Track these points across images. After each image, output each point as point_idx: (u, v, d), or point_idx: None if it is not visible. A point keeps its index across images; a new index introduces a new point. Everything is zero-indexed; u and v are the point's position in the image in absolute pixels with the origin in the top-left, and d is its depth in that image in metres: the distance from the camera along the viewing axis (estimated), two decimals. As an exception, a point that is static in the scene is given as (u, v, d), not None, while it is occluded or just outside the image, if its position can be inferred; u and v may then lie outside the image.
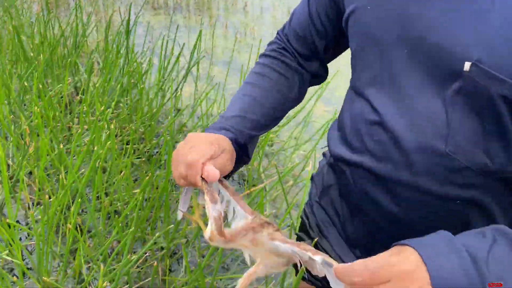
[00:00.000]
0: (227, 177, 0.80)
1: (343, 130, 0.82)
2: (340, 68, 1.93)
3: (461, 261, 0.52)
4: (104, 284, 1.20)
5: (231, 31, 4.11)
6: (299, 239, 1.01)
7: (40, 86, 1.83)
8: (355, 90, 0.80)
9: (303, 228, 1.00)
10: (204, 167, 0.70)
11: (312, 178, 1.02)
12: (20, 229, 1.67)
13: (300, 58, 0.93)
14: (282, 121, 2.37)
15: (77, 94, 2.65)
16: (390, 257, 0.54)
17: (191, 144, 0.74)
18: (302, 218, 1.01)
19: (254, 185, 1.98)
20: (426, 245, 0.54)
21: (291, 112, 2.68)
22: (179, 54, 2.44)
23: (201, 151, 0.71)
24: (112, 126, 1.59)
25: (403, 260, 0.53)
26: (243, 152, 0.84)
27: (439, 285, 0.51)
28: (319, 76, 0.98)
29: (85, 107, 2.04)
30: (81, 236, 1.40)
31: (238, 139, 0.82)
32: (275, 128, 2.38)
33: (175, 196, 1.88)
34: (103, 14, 4.17)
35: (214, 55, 3.52)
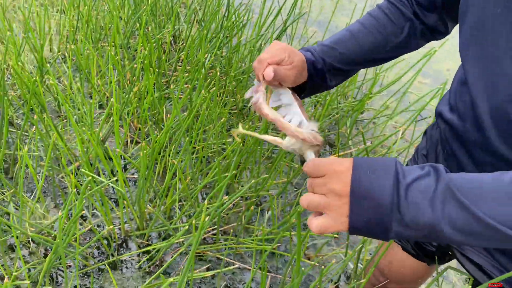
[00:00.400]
0: (300, 96, 0.92)
1: (450, 90, 0.90)
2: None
3: (385, 177, 0.59)
4: (195, 221, 1.27)
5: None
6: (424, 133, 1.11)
7: (147, 31, 1.92)
8: (459, 51, 0.82)
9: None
10: (267, 66, 0.82)
11: (425, 132, 1.07)
12: (124, 159, 1.80)
13: (418, 7, 0.94)
14: (375, 88, 2.28)
15: (175, 42, 2.74)
16: (334, 159, 0.65)
17: (271, 47, 0.87)
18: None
19: (342, 151, 1.95)
20: (365, 160, 0.63)
21: (385, 80, 2.57)
22: (278, 12, 2.41)
23: (271, 53, 0.84)
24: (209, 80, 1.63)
25: (339, 163, 0.64)
26: (319, 77, 0.93)
27: (356, 188, 0.60)
28: (437, 32, 0.98)
29: (182, 56, 2.11)
30: (176, 176, 1.48)
31: (316, 64, 0.91)
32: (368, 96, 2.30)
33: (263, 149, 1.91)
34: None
35: (311, 15, 3.43)
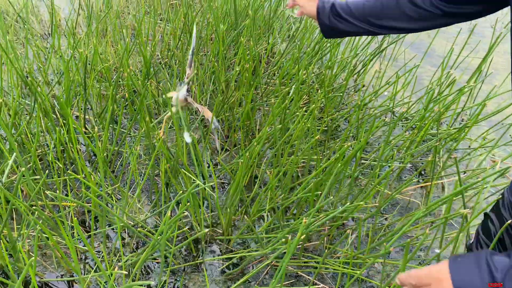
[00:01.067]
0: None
1: None
2: None
3: (480, 273, 0.68)
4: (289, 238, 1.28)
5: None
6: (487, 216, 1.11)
7: (249, 42, 1.99)
8: None
9: (496, 206, 1.05)
10: None
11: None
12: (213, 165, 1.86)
13: None
14: (472, 118, 2.15)
15: (269, 55, 2.81)
16: (431, 269, 0.75)
17: None
18: (501, 195, 1.05)
19: (434, 180, 1.87)
20: (457, 260, 0.73)
21: (485, 110, 2.41)
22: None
23: None
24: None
25: (438, 271, 0.74)
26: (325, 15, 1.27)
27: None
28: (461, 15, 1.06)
29: (275, 69, 2.15)
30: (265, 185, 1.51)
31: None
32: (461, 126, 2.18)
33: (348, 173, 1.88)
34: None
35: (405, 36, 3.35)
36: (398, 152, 1.99)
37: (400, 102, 2.33)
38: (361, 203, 1.16)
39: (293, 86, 1.99)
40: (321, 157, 1.88)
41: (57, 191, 1.69)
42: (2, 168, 1.62)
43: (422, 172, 2.05)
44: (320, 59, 2.57)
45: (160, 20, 3.16)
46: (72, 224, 1.58)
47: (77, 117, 2.20)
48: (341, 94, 2.10)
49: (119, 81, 2.30)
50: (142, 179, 1.83)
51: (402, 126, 2.31)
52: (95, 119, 2.13)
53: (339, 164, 1.33)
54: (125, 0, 3.43)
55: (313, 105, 1.53)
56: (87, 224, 1.68)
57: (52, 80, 2.50)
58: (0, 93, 1.97)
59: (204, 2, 3.34)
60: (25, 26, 2.76)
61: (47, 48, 2.83)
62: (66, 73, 1.99)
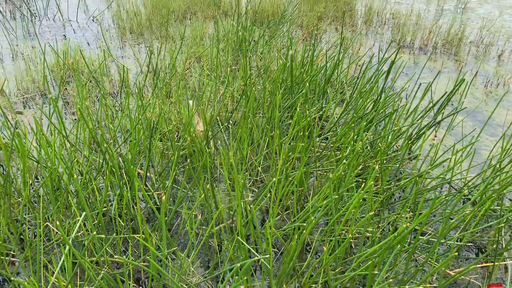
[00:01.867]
0: None
1: None
2: None
3: None
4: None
5: (481, 79, 3.79)
6: None
7: (305, 107, 2.06)
8: None
9: None
10: None
11: None
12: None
13: None
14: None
15: (320, 119, 2.87)
16: None
17: None
18: None
19: (496, 260, 1.77)
20: None
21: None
22: (432, 105, 2.38)
23: None
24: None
25: None
26: None
27: None
28: None
29: (329, 135, 2.19)
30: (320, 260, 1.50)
31: None
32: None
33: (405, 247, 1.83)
34: (353, 48, 4.41)
35: (459, 102, 3.31)
36: (457, 228, 1.92)
37: (458, 173, 2.27)
38: None
39: (348, 150, 2.01)
40: (376, 228, 1.84)
41: (117, 247, 1.77)
42: (71, 223, 1.73)
43: (483, 250, 1.95)
44: (375, 125, 2.59)
45: (221, 84, 3.34)
46: (130, 282, 1.63)
47: (138, 173, 2.33)
48: (397, 165, 2.09)
49: (180, 141, 2.43)
50: (198, 241, 1.88)
51: (461, 200, 2.23)
52: (156, 177, 2.24)
53: (396, 241, 1.31)
54: (187, 63, 3.67)
55: (369, 177, 1.54)
56: (141, 281, 1.73)
57: (119, 137, 2.68)
58: (73, 149, 2.14)
59: (261, 69, 3.52)
60: (98, 85, 3.02)
61: (115, 106, 3.06)
62: (133, 133, 2.14)
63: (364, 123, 2.31)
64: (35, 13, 5.06)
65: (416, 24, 4.98)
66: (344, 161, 1.93)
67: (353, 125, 2.09)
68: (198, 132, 2.57)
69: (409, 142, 2.35)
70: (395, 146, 2.62)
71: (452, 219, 1.99)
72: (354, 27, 4.86)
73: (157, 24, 4.65)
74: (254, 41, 4.04)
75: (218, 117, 2.83)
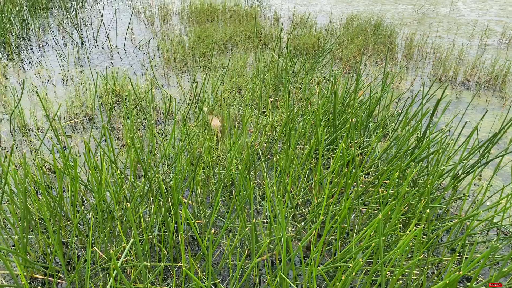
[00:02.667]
0: None
1: None
2: None
3: None
4: None
5: (528, 117, 3.68)
6: None
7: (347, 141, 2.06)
8: None
9: None
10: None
11: None
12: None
13: None
14: None
15: (361, 154, 2.85)
16: None
17: None
18: None
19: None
20: None
21: None
22: (470, 135, 2.32)
23: None
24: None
25: None
26: None
27: None
28: None
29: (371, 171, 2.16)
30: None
31: None
32: None
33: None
34: (394, 82, 4.39)
35: (506, 141, 3.21)
36: (508, 275, 1.83)
37: (507, 217, 2.19)
38: None
39: (392, 187, 1.98)
40: (421, 273, 1.79)
41: (159, 276, 1.79)
42: (117, 250, 1.77)
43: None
44: (418, 162, 2.54)
45: (261, 114, 3.39)
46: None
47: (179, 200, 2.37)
48: (444, 206, 2.03)
49: (220, 171, 2.46)
50: (235, 271, 1.88)
51: (510, 246, 2.14)
52: (197, 205, 2.28)
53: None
54: (229, 93, 3.75)
55: (416, 219, 1.51)
56: (181, 311, 1.74)
57: (163, 164, 2.75)
58: (122, 175, 2.21)
59: (302, 101, 3.55)
60: (144, 112, 3.13)
61: (160, 133, 3.15)
62: (178, 160, 2.19)
63: (409, 161, 2.27)
64: (85, 41, 5.34)
65: (458, 58, 4.92)
66: (389, 198, 1.90)
67: (398, 162, 2.07)
68: (215, 127, 3.03)
69: (455, 182, 2.29)
70: (441, 185, 2.55)
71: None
72: (395, 61, 4.85)
73: (199, 54, 4.80)
74: (294, 72, 4.10)
75: (258, 148, 2.86)
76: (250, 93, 3.65)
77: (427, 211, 1.59)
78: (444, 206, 2.08)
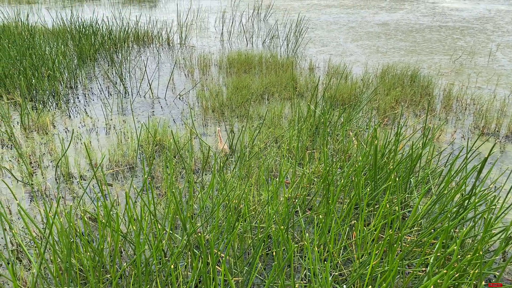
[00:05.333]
0: None
1: None
2: None
3: None
4: None
5: None
6: None
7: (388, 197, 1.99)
8: None
9: None
10: None
11: None
12: None
13: None
14: None
15: (402, 208, 2.75)
16: None
17: None
18: None
19: None
20: None
21: None
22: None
23: None
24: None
25: None
26: None
27: None
28: None
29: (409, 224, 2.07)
30: None
31: None
32: None
33: None
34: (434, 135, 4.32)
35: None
36: None
37: None
38: None
39: (438, 247, 1.88)
40: None
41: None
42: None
43: None
44: (463, 222, 2.43)
45: (298, 165, 3.38)
46: None
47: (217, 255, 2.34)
48: (497, 273, 1.91)
49: (257, 224, 2.43)
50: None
51: None
52: (235, 261, 2.24)
53: None
54: (265, 143, 3.78)
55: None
56: None
57: (201, 215, 2.75)
58: (161, 227, 2.22)
59: (340, 153, 3.52)
60: (183, 162, 3.19)
61: (197, 183, 3.18)
62: (217, 215, 2.18)
63: (456, 222, 2.18)
64: (128, 90, 5.59)
65: (501, 110, 4.79)
66: (436, 260, 1.80)
67: (445, 224, 1.98)
68: (222, 148, 3.49)
69: (506, 245, 2.16)
70: (492, 247, 2.41)
71: None
72: (434, 112, 4.78)
73: (237, 104, 4.91)
74: (331, 123, 4.10)
75: (296, 202, 2.83)
76: (287, 144, 3.66)
77: (482, 283, 1.49)
78: (498, 274, 1.96)
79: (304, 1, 17.06)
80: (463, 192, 2.57)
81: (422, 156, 3.03)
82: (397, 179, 2.44)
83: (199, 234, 2.32)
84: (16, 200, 2.14)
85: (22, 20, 9.07)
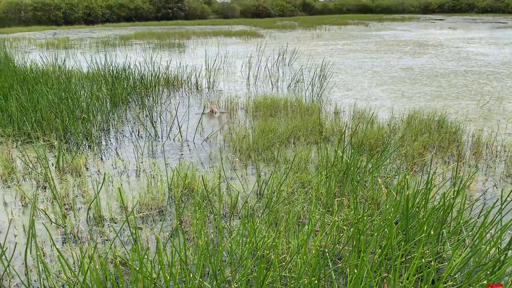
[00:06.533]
0: None
1: None
2: None
3: None
4: None
5: None
6: None
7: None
8: None
9: None
10: None
11: None
12: None
13: None
14: None
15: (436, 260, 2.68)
16: None
17: None
18: None
19: None
20: None
21: None
22: None
23: None
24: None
25: None
26: None
27: None
28: None
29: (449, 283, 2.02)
30: None
31: None
32: None
33: None
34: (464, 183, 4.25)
35: None
36: None
37: None
38: None
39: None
40: None
41: None
42: None
43: None
44: (502, 277, 2.34)
45: (326, 212, 3.36)
46: None
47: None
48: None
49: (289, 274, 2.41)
50: None
51: None
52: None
53: None
54: (292, 188, 3.79)
55: None
56: None
57: (226, 261, 2.75)
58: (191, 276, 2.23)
59: (369, 200, 3.50)
60: (212, 206, 3.22)
61: (225, 228, 3.20)
62: (247, 265, 2.18)
63: (492, 277, 2.11)
64: (158, 133, 5.76)
65: (533, 157, 4.69)
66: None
67: (483, 280, 1.92)
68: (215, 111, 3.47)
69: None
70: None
71: None
72: (463, 160, 4.72)
73: (263, 147, 4.97)
74: (358, 169, 4.09)
75: (326, 253, 2.80)
76: (315, 190, 3.66)
77: None
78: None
79: (327, 46, 17.46)
80: (499, 246, 2.50)
81: (453, 205, 2.98)
82: (431, 232, 2.40)
83: (230, 287, 2.32)
84: (53, 242, 2.20)
85: (59, 65, 9.58)
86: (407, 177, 3.34)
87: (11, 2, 36.66)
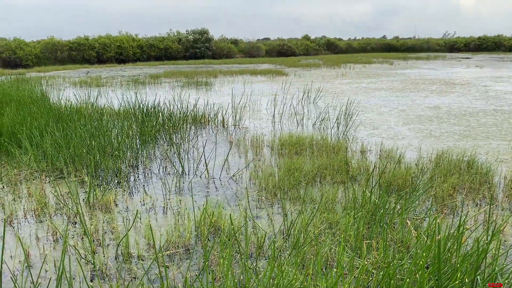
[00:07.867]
0: None
1: None
2: None
3: None
4: None
5: None
6: None
7: None
8: None
9: None
10: None
11: None
12: None
13: None
14: None
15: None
16: None
17: None
18: None
19: None
20: None
21: None
22: None
23: None
24: None
25: None
26: None
27: None
28: None
29: None
30: None
31: None
32: None
33: None
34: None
35: None
36: None
37: None
38: None
39: None
40: None
41: None
42: None
43: None
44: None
45: (357, 255, 3.30)
46: None
47: None
48: None
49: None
50: None
51: None
52: None
53: None
54: (319, 229, 3.75)
55: None
56: None
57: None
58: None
59: (398, 243, 3.42)
60: (238, 245, 3.21)
61: (251, 269, 3.17)
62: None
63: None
64: (185, 170, 5.85)
65: None
66: None
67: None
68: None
69: None
70: None
71: None
72: (496, 202, 4.58)
73: (289, 186, 4.97)
74: (387, 210, 4.03)
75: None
76: (343, 231, 3.61)
77: None
78: None
79: (352, 84, 17.58)
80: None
81: (487, 251, 2.88)
82: (465, 279, 2.32)
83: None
84: (84, 278, 2.24)
85: (92, 102, 9.97)
86: (437, 220, 3.26)
87: (48, 42, 38.81)
